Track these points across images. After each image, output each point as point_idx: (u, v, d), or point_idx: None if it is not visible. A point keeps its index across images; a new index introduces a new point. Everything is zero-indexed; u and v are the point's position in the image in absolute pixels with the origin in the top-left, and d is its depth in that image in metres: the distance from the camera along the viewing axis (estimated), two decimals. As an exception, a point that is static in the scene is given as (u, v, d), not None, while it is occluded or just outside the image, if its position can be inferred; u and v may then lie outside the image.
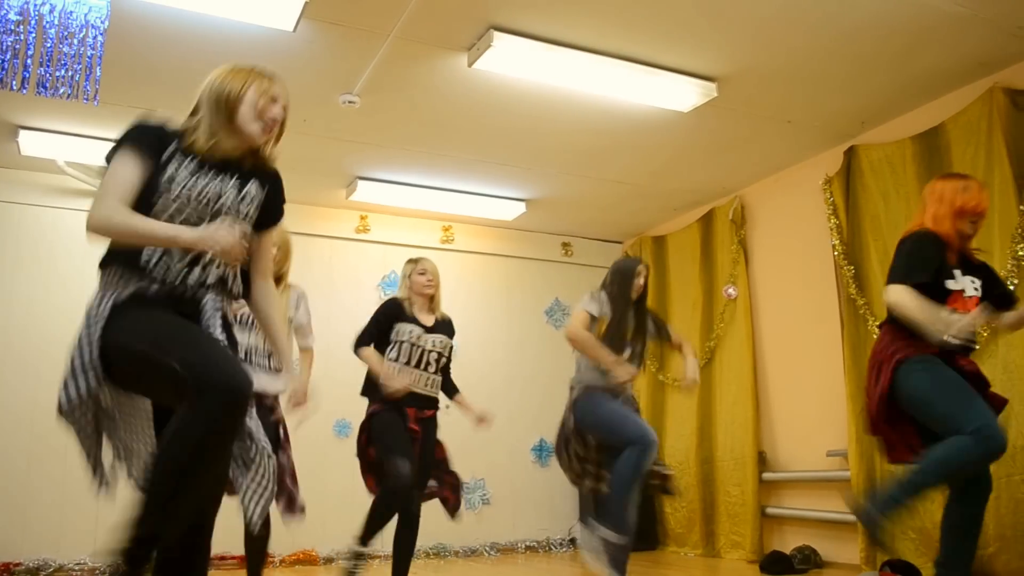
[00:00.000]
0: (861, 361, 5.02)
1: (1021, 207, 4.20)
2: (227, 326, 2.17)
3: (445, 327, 4.26)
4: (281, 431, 3.88)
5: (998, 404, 3.21)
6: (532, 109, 4.91)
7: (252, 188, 2.25)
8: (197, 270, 2.10)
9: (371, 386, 4.14)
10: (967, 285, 3.25)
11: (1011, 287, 4.18)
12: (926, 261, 3.19)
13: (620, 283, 4.12)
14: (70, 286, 5.75)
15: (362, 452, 4.23)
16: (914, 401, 3.14)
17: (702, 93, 4.64)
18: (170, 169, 2.10)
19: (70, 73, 3.37)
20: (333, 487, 6.28)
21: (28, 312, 5.60)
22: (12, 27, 3.29)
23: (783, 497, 5.77)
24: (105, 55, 3.52)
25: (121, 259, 2.08)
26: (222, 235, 1.98)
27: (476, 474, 6.76)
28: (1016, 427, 4.09)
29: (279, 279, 3.90)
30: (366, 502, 6.34)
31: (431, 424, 4.20)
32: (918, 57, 4.38)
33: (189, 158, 2.15)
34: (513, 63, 4.29)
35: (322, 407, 6.34)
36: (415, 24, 4.02)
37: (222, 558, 5.40)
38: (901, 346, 3.18)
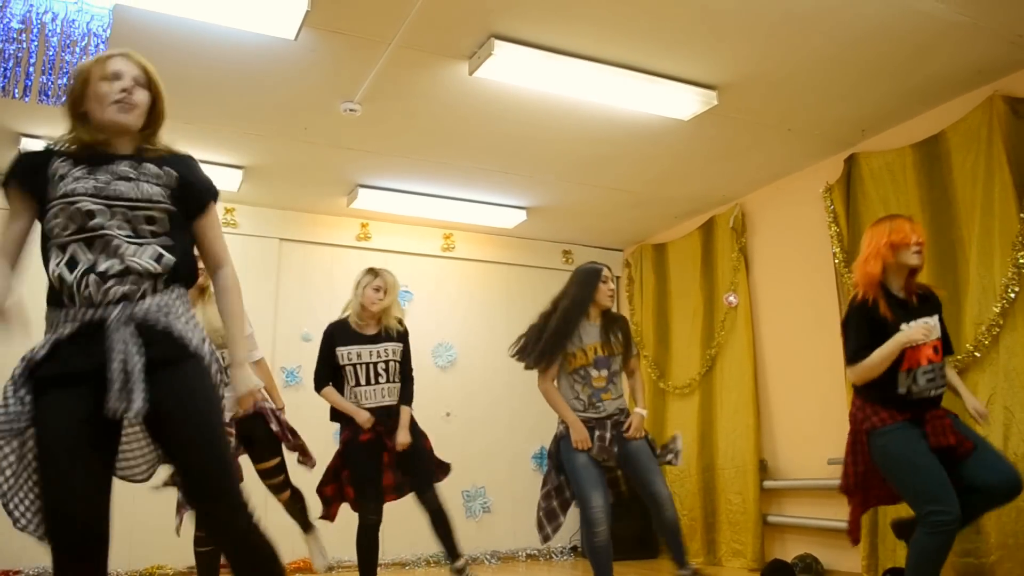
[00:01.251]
0: (862, 369, 5.02)
1: (1021, 215, 4.20)
2: (150, 333, 2.03)
3: (390, 333, 4.30)
4: (275, 427, 4.00)
5: (962, 453, 3.17)
6: (533, 117, 4.92)
7: (149, 169, 2.15)
8: (91, 281, 2.00)
9: (337, 412, 4.32)
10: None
11: (1012, 295, 4.19)
12: (864, 335, 3.25)
13: (580, 289, 3.91)
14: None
15: (335, 471, 4.38)
16: (885, 472, 3.24)
17: (702, 101, 4.65)
18: (56, 183, 2.08)
19: (72, 81, 3.38)
20: (333, 495, 6.27)
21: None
22: (14, 35, 3.30)
23: (784, 505, 5.76)
24: (107, 63, 3.53)
25: (49, 295, 2.08)
26: None
27: (476, 482, 6.75)
28: (1018, 435, 4.09)
29: (205, 289, 3.90)
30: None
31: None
32: (918, 65, 4.39)
33: (70, 165, 2.10)
34: (514, 71, 4.30)
35: (322, 415, 6.36)
36: (416, 32, 4.03)
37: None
38: (869, 413, 3.26)
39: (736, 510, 5.91)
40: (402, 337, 4.37)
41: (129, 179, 2.10)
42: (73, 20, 3.36)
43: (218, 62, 4.28)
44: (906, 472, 3.14)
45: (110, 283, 2.00)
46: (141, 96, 2.21)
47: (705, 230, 6.70)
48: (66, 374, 1.97)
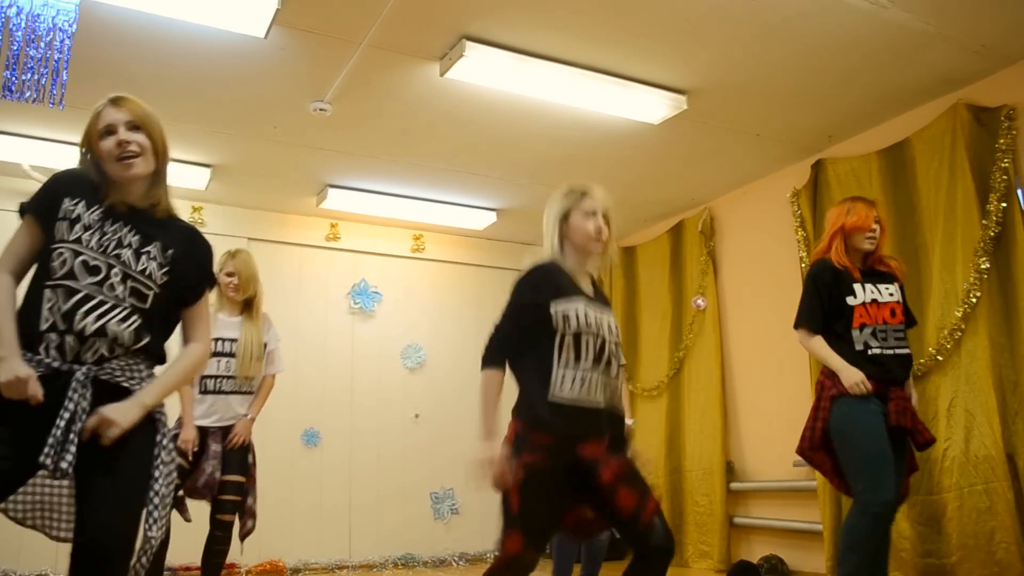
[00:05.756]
0: (827, 372, 5.08)
1: (983, 221, 4.27)
2: (113, 392, 2.04)
3: (604, 298, 2.74)
4: (250, 457, 4.00)
5: (921, 442, 3.25)
6: (504, 119, 4.92)
7: (153, 249, 2.14)
8: (69, 340, 2.00)
9: (526, 404, 2.59)
10: (879, 293, 3.30)
11: (973, 300, 4.26)
12: (819, 299, 3.32)
13: None
14: (33, 292, 5.66)
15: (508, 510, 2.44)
16: (837, 440, 3.23)
17: (672, 106, 4.68)
18: (70, 220, 2.07)
19: (36, 77, 3.33)
20: (300, 497, 6.24)
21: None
22: (-23, 29, 3.25)
23: (750, 507, 5.81)
24: (72, 59, 3.48)
25: (23, 324, 2.03)
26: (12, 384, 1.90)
27: (445, 484, 6.74)
28: (977, 438, 4.16)
29: (250, 303, 4.01)
30: (334, 510, 6.34)
31: (621, 446, 2.57)
32: (884, 73, 4.46)
33: (84, 207, 2.09)
34: (485, 73, 4.30)
35: (290, 416, 6.33)
36: (387, 32, 4.02)
37: (187, 568, 5.32)
38: (837, 380, 3.24)
39: (703, 511, 5.95)
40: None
41: (134, 247, 2.11)
42: (38, 15, 3.30)
43: (186, 59, 4.23)
44: (854, 446, 3.16)
45: (86, 344, 2.00)
46: (141, 140, 2.16)
47: (674, 233, 6.74)
48: (16, 412, 1.95)
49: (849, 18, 3.90)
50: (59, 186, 2.12)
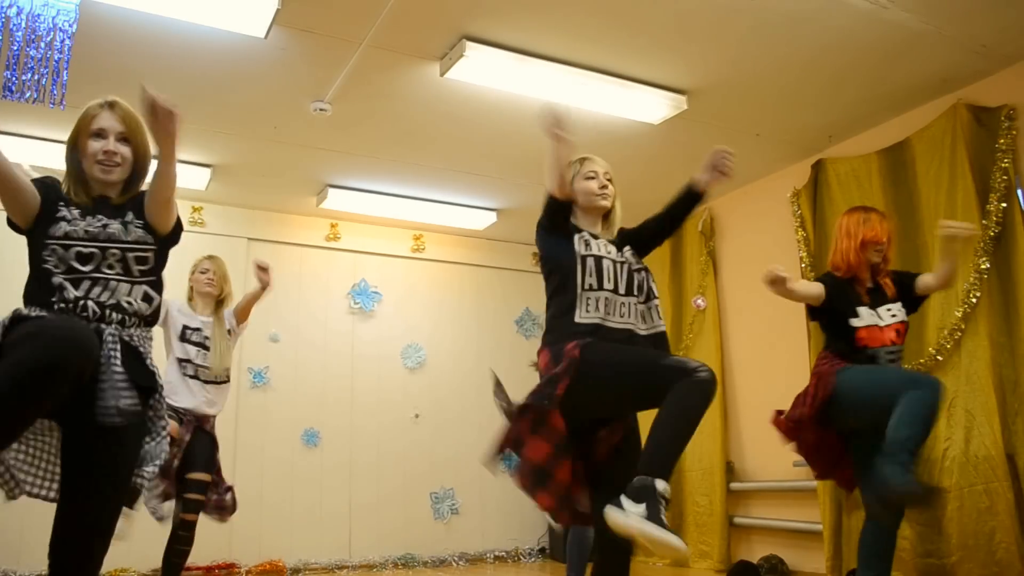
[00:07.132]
0: (827, 372, 5.08)
1: (983, 221, 4.28)
2: (133, 354, 2.20)
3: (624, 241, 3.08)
4: (216, 452, 4.05)
5: None
6: (504, 119, 4.92)
7: (130, 215, 2.32)
8: (91, 303, 2.16)
9: (560, 318, 2.78)
10: (882, 317, 3.39)
11: (973, 300, 4.26)
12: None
13: None
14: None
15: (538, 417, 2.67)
16: (857, 391, 3.27)
17: (672, 106, 4.68)
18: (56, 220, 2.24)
19: (37, 77, 3.33)
20: (300, 497, 6.24)
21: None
22: (-23, 30, 3.25)
23: (750, 507, 5.81)
24: (73, 59, 3.48)
25: (35, 301, 2.16)
26: None
27: (445, 484, 6.74)
28: (977, 438, 4.16)
29: (220, 304, 4.20)
30: (334, 510, 6.34)
31: None
32: (885, 73, 4.46)
33: (73, 207, 2.28)
34: (485, 73, 4.30)
35: (290, 416, 6.33)
36: (388, 33, 4.02)
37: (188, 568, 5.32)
38: (836, 361, 3.37)
39: (703, 512, 5.95)
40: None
41: (119, 221, 2.27)
42: (39, 15, 3.31)
43: (187, 59, 4.23)
44: (867, 380, 3.25)
45: (107, 311, 2.17)
46: (125, 153, 2.36)
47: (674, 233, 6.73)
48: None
49: (849, 18, 3.90)
50: (57, 189, 2.33)
